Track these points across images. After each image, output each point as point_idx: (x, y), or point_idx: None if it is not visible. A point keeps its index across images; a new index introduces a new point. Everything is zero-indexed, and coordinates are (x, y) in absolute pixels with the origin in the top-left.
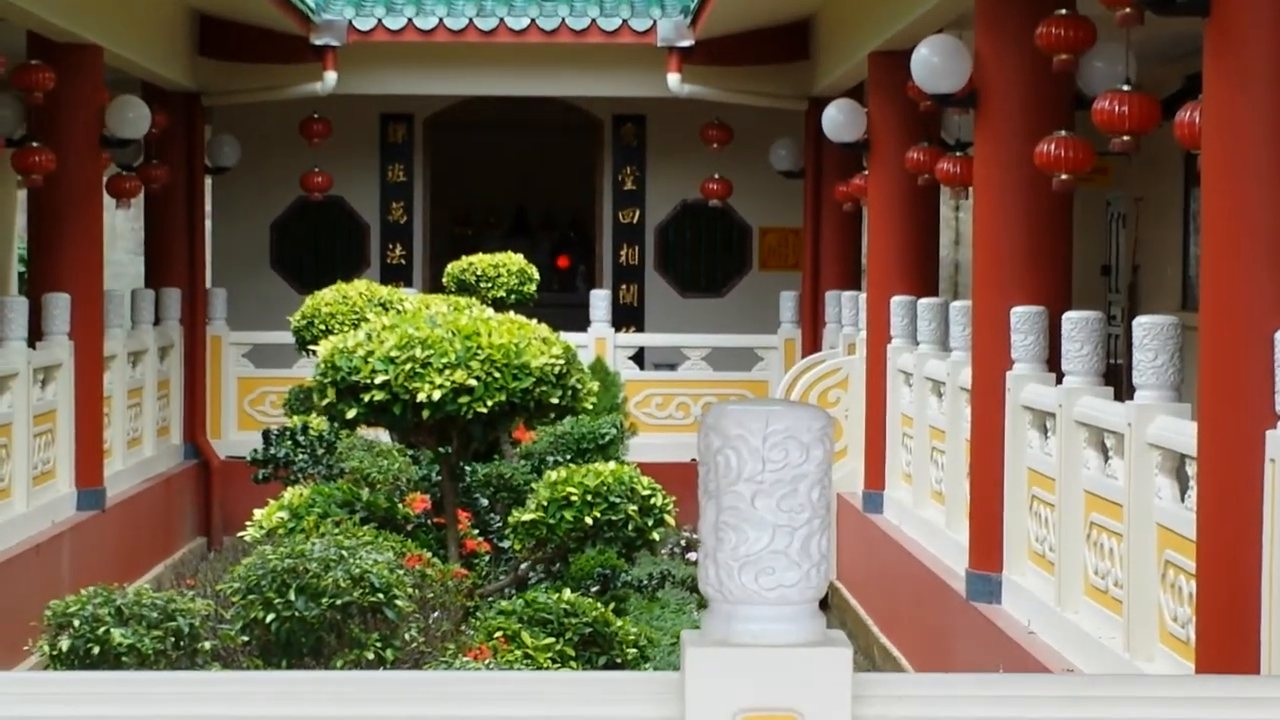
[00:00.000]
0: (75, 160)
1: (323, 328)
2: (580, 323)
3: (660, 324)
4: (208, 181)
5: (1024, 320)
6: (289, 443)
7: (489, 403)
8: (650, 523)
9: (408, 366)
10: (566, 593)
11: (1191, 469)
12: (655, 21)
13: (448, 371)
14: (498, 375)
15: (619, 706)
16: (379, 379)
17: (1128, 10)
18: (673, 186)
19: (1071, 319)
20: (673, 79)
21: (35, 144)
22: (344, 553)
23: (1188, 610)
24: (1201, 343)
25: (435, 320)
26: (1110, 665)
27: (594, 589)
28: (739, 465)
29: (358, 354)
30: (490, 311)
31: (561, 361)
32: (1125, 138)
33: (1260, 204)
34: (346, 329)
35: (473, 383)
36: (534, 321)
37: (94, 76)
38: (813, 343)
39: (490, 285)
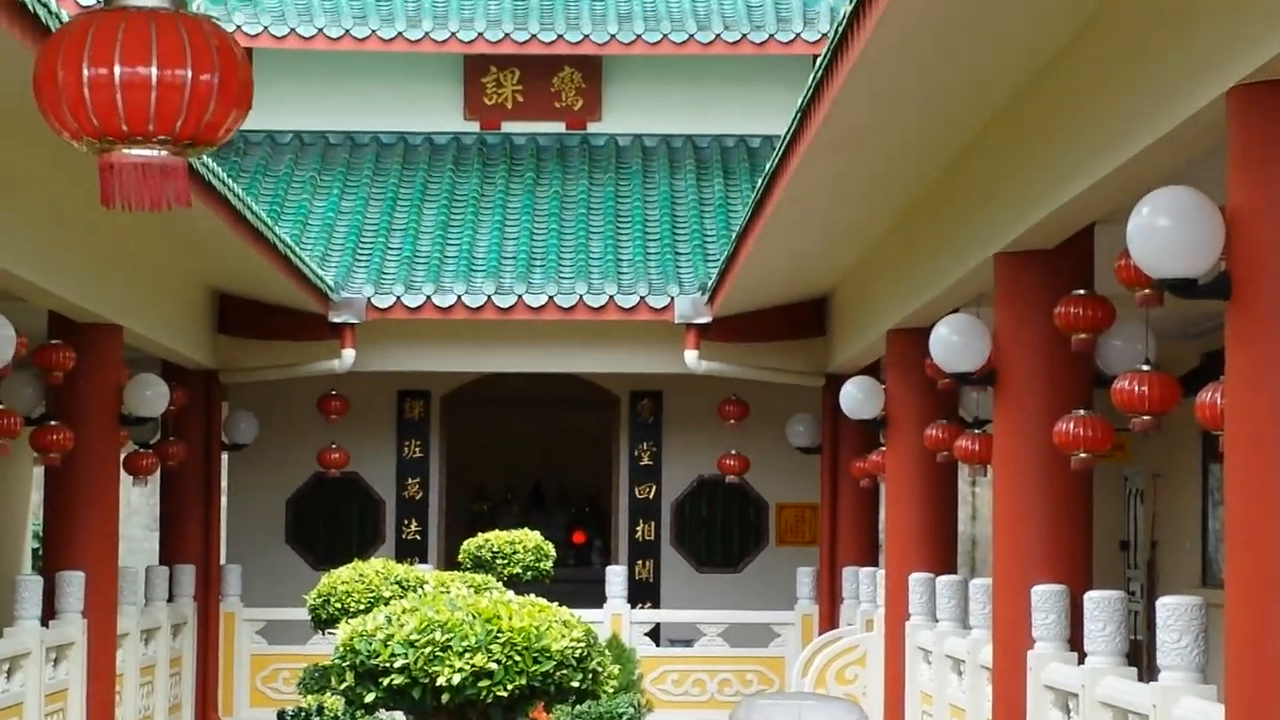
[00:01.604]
0: (93, 439)
1: (339, 606)
2: (596, 598)
3: (676, 600)
4: (224, 458)
5: (1045, 599)
6: None
7: (509, 686)
8: None
9: (427, 650)
10: None
11: None
12: (673, 299)
13: (468, 655)
14: (518, 659)
15: None
16: (399, 662)
17: (1147, 291)
18: (689, 462)
19: (1094, 599)
20: (690, 356)
21: (54, 423)
22: None
23: None
24: (1228, 625)
25: (456, 603)
26: None
27: None
28: None
29: (377, 637)
30: (510, 593)
31: (582, 645)
32: (1146, 417)
33: None
34: (363, 608)
35: (493, 666)
36: (554, 604)
37: (113, 355)
38: (830, 619)
39: (506, 562)
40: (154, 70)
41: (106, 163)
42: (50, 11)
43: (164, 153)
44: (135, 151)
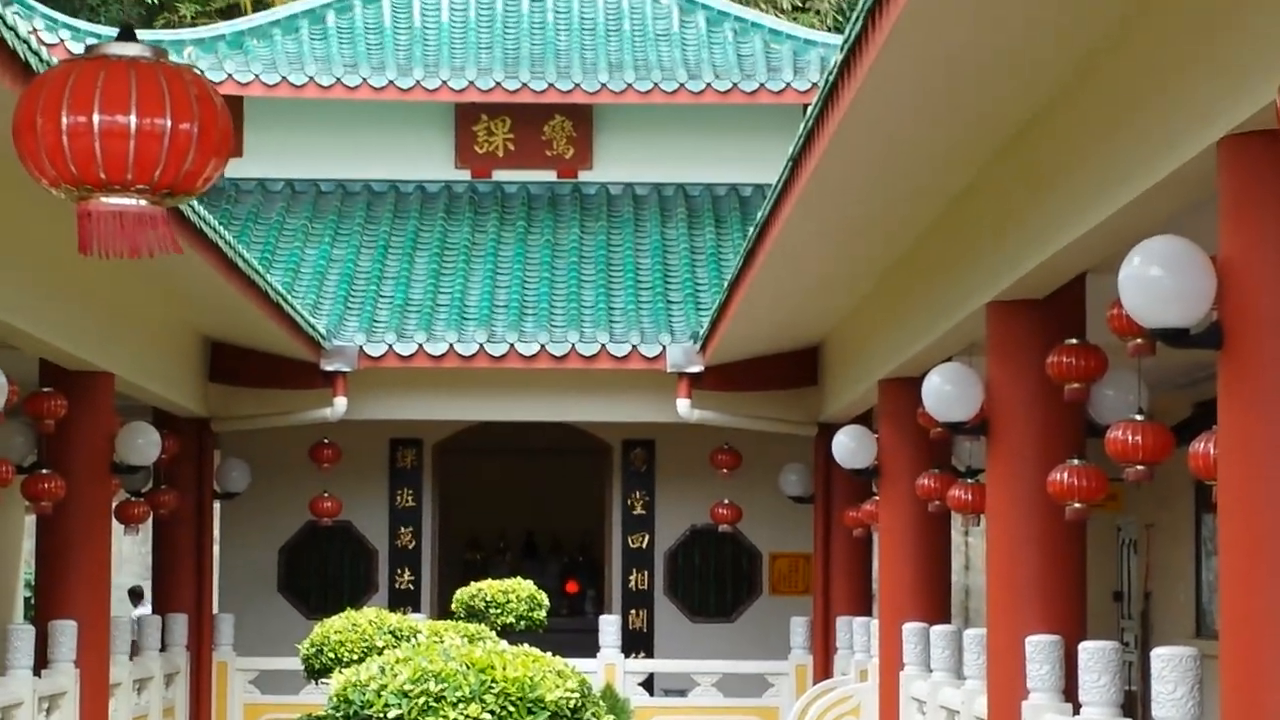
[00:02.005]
0: (84, 487)
1: (332, 656)
2: (590, 648)
3: (670, 649)
4: (216, 506)
5: (1039, 650)
6: None
7: None
8: None
9: (421, 700)
10: None
11: None
12: (665, 348)
13: (462, 705)
14: (512, 709)
15: None
16: (392, 713)
17: (1140, 341)
18: (682, 511)
19: (1088, 649)
20: (682, 404)
21: (45, 471)
22: None
23: None
24: (1223, 676)
25: (449, 653)
26: None
27: None
28: None
29: (371, 687)
30: (504, 643)
31: (577, 695)
32: (1139, 467)
33: (1279, 535)
34: (356, 658)
35: (487, 717)
36: (548, 653)
37: (105, 403)
38: (824, 669)
39: (500, 611)
40: (133, 119)
41: (84, 210)
42: (41, 60)
43: (142, 201)
44: (113, 200)
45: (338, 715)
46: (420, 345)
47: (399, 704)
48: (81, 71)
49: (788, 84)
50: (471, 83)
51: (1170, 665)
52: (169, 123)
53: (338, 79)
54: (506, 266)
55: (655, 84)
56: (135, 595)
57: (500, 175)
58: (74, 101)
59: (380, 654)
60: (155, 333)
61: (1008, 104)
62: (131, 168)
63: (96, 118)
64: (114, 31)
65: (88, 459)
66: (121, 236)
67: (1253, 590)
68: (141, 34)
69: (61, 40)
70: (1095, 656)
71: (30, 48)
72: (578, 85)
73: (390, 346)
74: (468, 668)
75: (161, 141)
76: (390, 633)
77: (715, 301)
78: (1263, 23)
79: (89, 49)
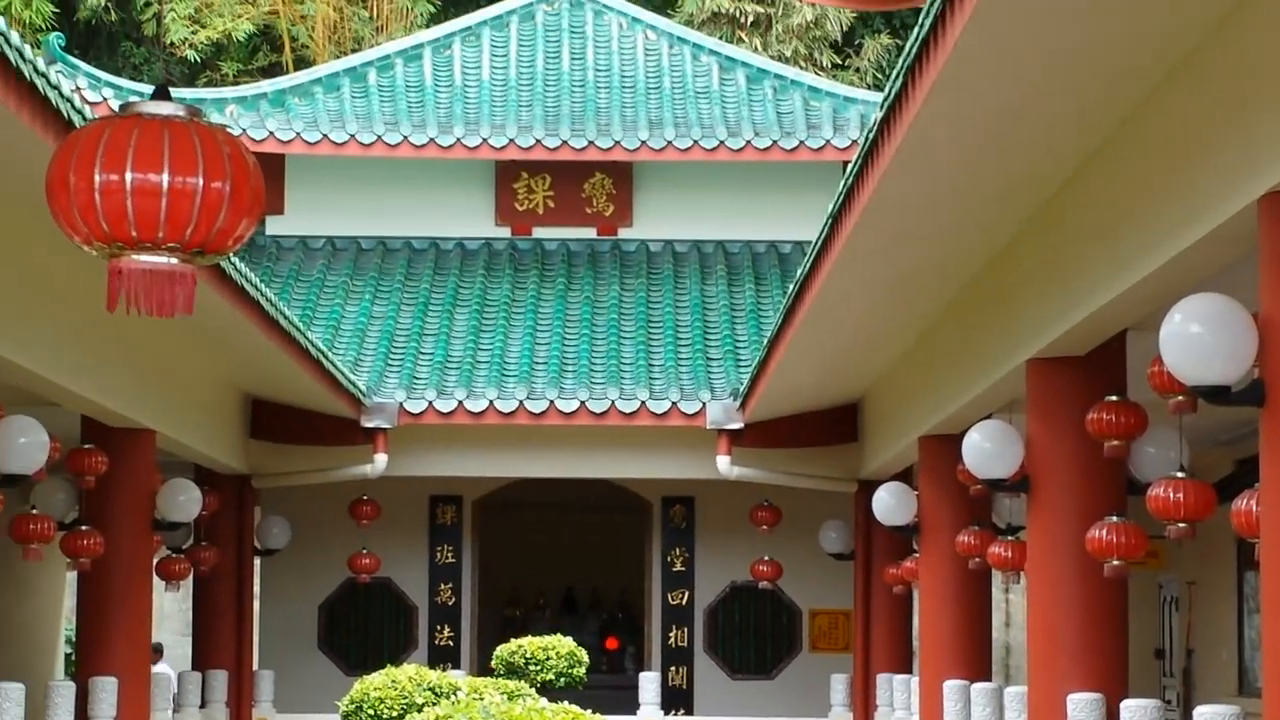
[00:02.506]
0: (125, 544)
1: (372, 713)
2: (629, 705)
3: (710, 706)
4: (256, 562)
5: (1081, 708)
6: None
7: None
8: None
9: None
10: None
11: None
12: (705, 404)
13: None
14: None
15: None
16: None
17: (1181, 398)
18: (722, 568)
19: (1130, 708)
20: (722, 461)
21: (86, 528)
22: None
23: None
24: None
25: (489, 710)
26: None
27: None
28: None
29: None
30: (543, 700)
31: None
32: (1181, 525)
33: None
34: (396, 715)
35: None
36: (588, 710)
37: (146, 460)
38: None
39: (539, 669)
40: (165, 177)
41: (115, 268)
42: (84, 118)
43: (173, 260)
44: (145, 258)
45: None
46: (460, 402)
47: None
48: (115, 129)
49: (827, 141)
50: (512, 140)
51: None
52: (201, 181)
53: (379, 136)
54: (546, 323)
55: (695, 141)
56: (155, 651)
57: (540, 232)
58: (107, 159)
59: (420, 711)
60: (197, 389)
61: (1047, 162)
62: (163, 226)
63: (129, 176)
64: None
65: (129, 515)
66: (152, 294)
67: None
68: (185, 92)
69: (105, 99)
70: (1137, 715)
71: (74, 106)
72: (618, 143)
73: (430, 403)
74: None
75: (194, 200)
76: (430, 689)
77: (755, 358)
78: None
79: (123, 107)
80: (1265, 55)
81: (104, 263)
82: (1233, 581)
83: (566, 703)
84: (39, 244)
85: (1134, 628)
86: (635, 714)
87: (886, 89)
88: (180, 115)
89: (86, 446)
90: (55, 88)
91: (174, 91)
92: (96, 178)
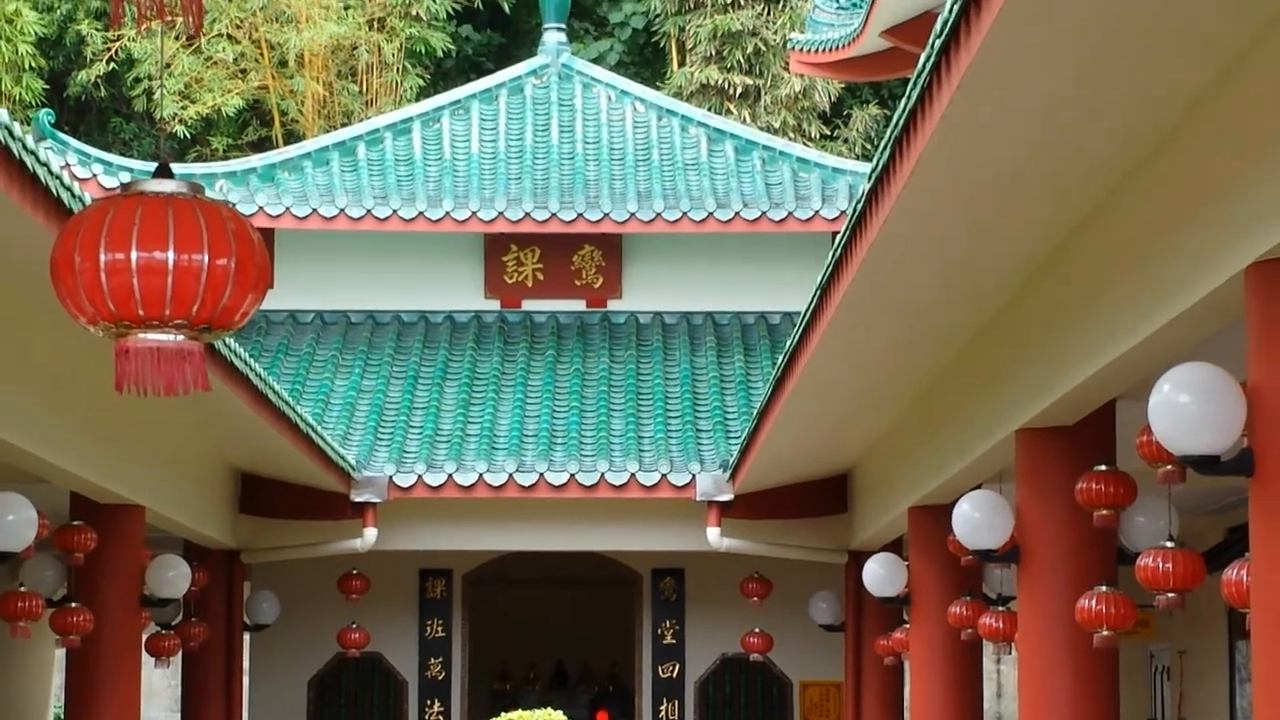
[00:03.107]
0: (114, 620)
1: None
2: None
3: None
4: (246, 638)
5: None
6: None
7: None
8: None
9: None
10: None
11: None
12: (694, 476)
13: None
14: None
15: None
16: None
17: (1170, 468)
18: (713, 640)
19: None
20: (712, 533)
21: (75, 605)
22: None
23: None
24: None
25: None
26: None
27: None
28: None
29: None
30: None
31: None
32: (1171, 595)
33: None
34: None
35: None
36: None
37: (135, 536)
38: None
39: None
40: (171, 255)
41: (123, 348)
42: (73, 195)
43: (180, 337)
44: (151, 336)
45: None
46: (450, 475)
47: None
48: (119, 208)
49: (816, 212)
50: (501, 213)
51: None
52: (206, 258)
53: (368, 210)
54: (536, 396)
55: (684, 213)
56: None
57: (530, 305)
58: (112, 238)
59: None
60: (186, 465)
61: (1035, 231)
62: (169, 304)
63: (134, 254)
64: (146, 165)
65: (118, 592)
66: (159, 373)
67: None
68: (174, 168)
69: (94, 175)
70: None
71: (63, 183)
72: (606, 215)
73: (420, 477)
74: None
75: (199, 277)
76: None
77: (744, 430)
78: None
79: (125, 186)
80: (1250, 127)
81: (91, 338)
82: (1224, 651)
83: None
84: (24, 320)
85: (1125, 697)
86: None
87: (874, 161)
88: (184, 192)
89: (75, 523)
90: (44, 165)
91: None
92: (102, 257)
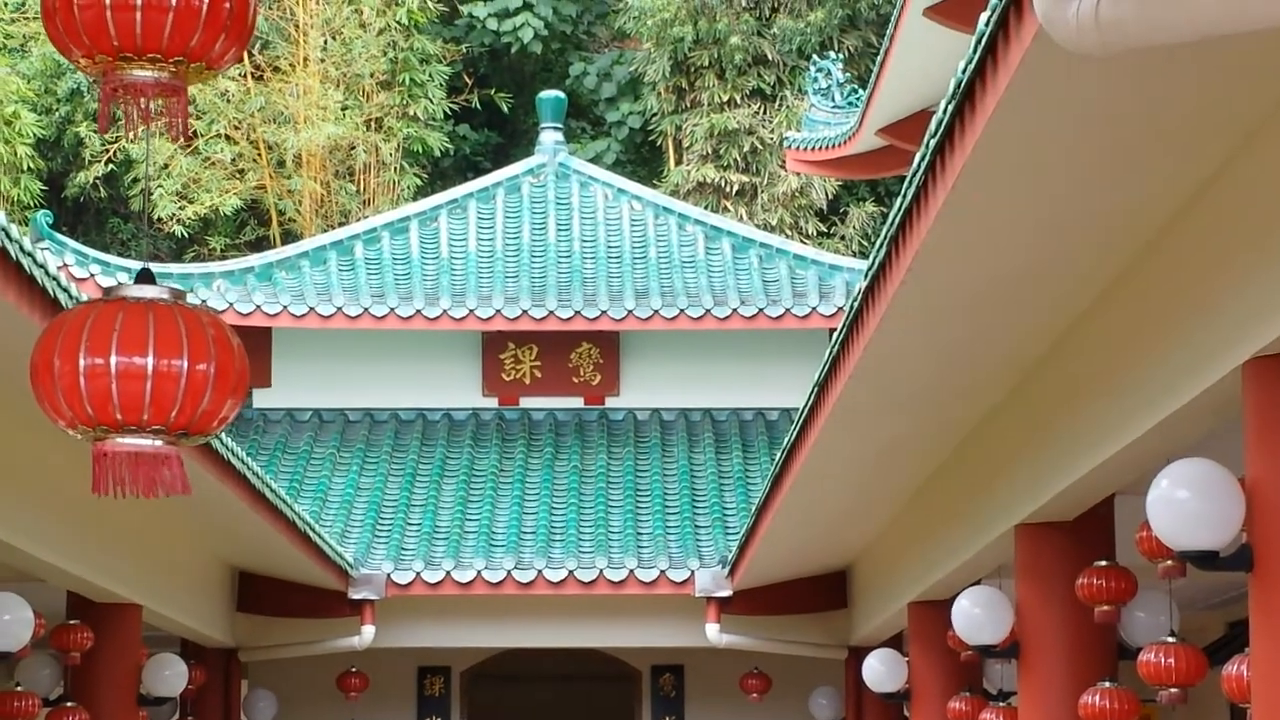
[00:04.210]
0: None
1: None
2: None
3: None
4: None
5: None
6: None
7: None
8: None
9: None
10: None
11: None
12: (693, 572)
13: None
14: None
15: None
16: None
17: (1170, 563)
18: None
19: None
20: (711, 629)
21: (71, 704)
22: None
23: None
24: None
25: None
26: None
27: None
28: None
29: None
30: None
31: None
32: (1173, 690)
33: None
34: None
35: None
36: None
37: (132, 635)
38: None
39: None
40: (150, 360)
41: (100, 451)
42: (70, 296)
43: (158, 442)
44: (129, 440)
45: None
46: (448, 573)
47: None
48: (100, 313)
49: (813, 309)
50: (498, 311)
51: None
52: (186, 364)
53: (365, 309)
54: (534, 493)
55: (681, 310)
56: None
57: (527, 402)
58: (92, 343)
59: None
60: (183, 564)
61: (1032, 327)
62: (148, 408)
63: (114, 359)
64: (143, 266)
65: (114, 691)
66: (137, 476)
67: None
68: (172, 267)
69: (92, 275)
70: None
71: (60, 284)
72: (604, 313)
73: (418, 574)
74: None
75: (178, 383)
76: None
77: (743, 526)
78: None
79: (107, 291)
80: (1246, 223)
81: (89, 443)
82: None
83: None
84: (20, 421)
85: None
86: None
87: (870, 259)
88: (164, 298)
89: (72, 622)
90: (41, 266)
91: (161, 268)
92: (81, 362)
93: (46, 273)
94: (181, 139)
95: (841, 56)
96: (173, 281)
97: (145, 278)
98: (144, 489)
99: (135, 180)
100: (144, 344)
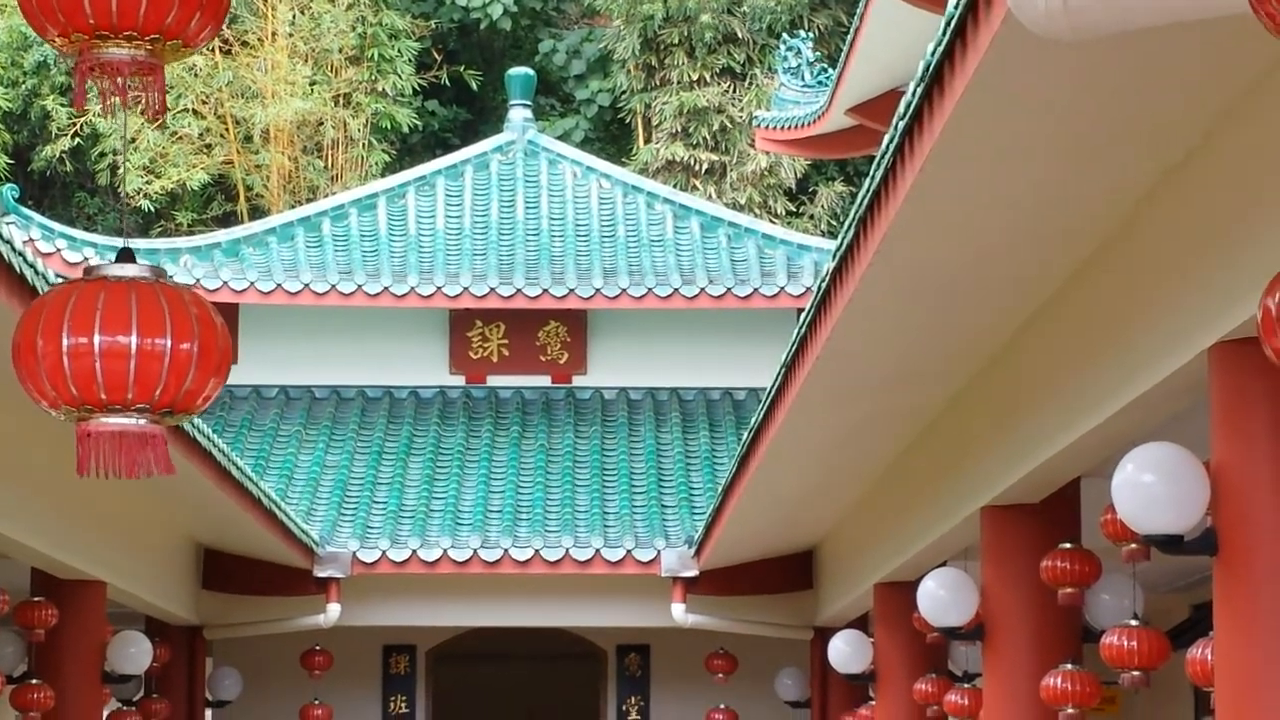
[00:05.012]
0: (75, 697)
1: None
2: None
3: None
4: (208, 714)
5: None
6: None
7: None
8: None
9: None
10: None
11: None
12: (659, 552)
13: None
14: None
15: None
16: None
17: (1134, 546)
18: (678, 716)
19: None
20: (677, 609)
21: (35, 681)
22: None
23: None
24: None
25: None
26: None
27: None
28: None
29: None
30: None
31: None
32: (1135, 673)
33: None
34: None
35: None
36: None
37: (97, 612)
38: None
39: None
40: (134, 339)
41: (84, 431)
42: (36, 272)
43: (142, 421)
44: (113, 420)
45: None
46: (414, 551)
47: None
48: (82, 293)
49: (781, 288)
50: (466, 289)
51: None
52: (169, 343)
53: (332, 286)
54: (501, 472)
55: (649, 289)
56: None
57: (494, 381)
58: (74, 323)
59: None
60: (148, 541)
61: (1001, 311)
62: (132, 387)
63: (98, 339)
64: (110, 240)
65: (79, 668)
66: (120, 456)
67: None
68: (138, 243)
69: (58, 250)
70: None
71: (26, 260)
72: (572, 291)
73: (384, 553)
74: None
75: (162, 361)
76: None
77: (710, 506)
78: (1252, 231)
79: (89, 270)
80: (1214, 208)
81: (60, 421)
82: None
83: None
84: None
85: None
86: None
87: (838, 239)
88: (146, 277)
89: (36, 599)
90: (7, 241)
91: (127, 242)
92: (65, 341)
93: (13, 248)
94: (158, 115)
95: (811, 35)
96: (140, 257)
97: (126, 256)
98: (128, 469)
99: (102, 154)
100: (127, 323)
